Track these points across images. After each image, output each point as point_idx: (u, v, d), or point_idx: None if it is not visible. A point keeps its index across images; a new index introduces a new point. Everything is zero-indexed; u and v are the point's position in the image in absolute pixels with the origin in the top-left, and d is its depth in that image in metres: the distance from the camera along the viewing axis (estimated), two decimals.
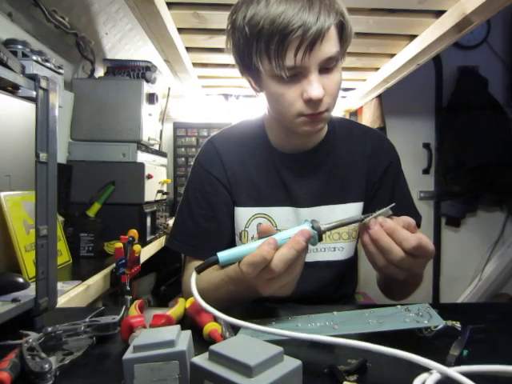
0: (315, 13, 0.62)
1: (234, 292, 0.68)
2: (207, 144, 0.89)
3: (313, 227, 0.54)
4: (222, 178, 0.85)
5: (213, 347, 0.35)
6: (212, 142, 0.89)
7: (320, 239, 0.54)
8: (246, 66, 0.73)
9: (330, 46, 0.66)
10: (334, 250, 0.83)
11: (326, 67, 0.68)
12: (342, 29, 0.69)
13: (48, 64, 1.20)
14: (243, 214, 0.84)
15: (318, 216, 0.82)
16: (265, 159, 0.85)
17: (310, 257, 0.82)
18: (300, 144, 0.84)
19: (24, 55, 1.12)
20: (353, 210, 0.84)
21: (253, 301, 0.76)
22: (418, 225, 0.87)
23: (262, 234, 0.55)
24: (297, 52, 0.63)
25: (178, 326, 0.42)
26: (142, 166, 1.51)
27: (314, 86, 0.66)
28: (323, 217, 0.82)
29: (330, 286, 0.85)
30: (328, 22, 0.63)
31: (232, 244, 0.86)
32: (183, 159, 2.40)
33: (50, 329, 0.49)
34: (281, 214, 0.83)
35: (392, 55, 1.70)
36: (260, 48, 0.66)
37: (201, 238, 0.84)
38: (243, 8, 0.68)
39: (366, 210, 0.86)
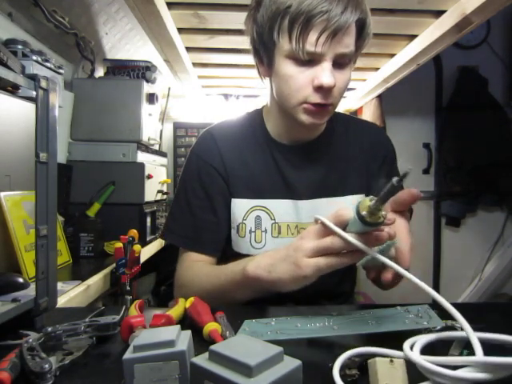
0: (343, 4, 0.64)
1: (231, 280, 0.68)
2: (204, 134, 0.88)
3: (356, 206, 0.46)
4: (219, 167, 0.83)
5: (213, 347, 0.35)
6: (210, 132, 0.88)
7: (362, 219, 0.45)
8: (263, 43, 0.74)
9: (348, 42, 0.68)
10: None
11: (339, 62, 0.70)
12: (362, 30, 0.71)
13: (48, 64, 1.20)
14: (241, 206, 0.83)
15: (317, 208, 0.82)
16: (263, 150, 0.84)
17: None
18: (300, 136, 0.84)
19: (24, 55, 1.12)
20: (352, 202, 0.84)
21: (252, 301, 0.76)
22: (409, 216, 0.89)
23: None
24: (319, 37, 0.65)
25: (178, 326, 0.42)
26: (141, 166, 1.51)
27: (327, 74, 0.67)
28: (322, 209, 0.82)
29: (329, 281, 0.84)
30: (353, 16, 0.65)
31: (228, 237, 0.85)
32: (183, 159, 2.40)
33: (50, 329, 0.49)
34: (279, 206, 0.82)
35: (392, 55, 1.70)
36: (283, 26, 0.68)
37: (199, 230, 0.82)
38: None
39: None
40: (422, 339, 0.41)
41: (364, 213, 0.45)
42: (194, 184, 0.84)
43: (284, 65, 0.71)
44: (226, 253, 0.85)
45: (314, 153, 0.84)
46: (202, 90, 2.27)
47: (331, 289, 0.86)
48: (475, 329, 0.51)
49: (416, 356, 0.36)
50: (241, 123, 0.89)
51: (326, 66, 0.68)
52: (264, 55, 0.76)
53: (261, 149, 0.85)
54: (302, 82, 0.70)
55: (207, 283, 0.73)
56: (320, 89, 0.69)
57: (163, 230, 0.88)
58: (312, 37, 0.65)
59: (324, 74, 0.67)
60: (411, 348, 0.38)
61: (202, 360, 0.35)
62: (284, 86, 0.73)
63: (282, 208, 0.82)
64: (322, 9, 0.64)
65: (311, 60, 0.68)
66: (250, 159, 0.84)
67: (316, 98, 0.70)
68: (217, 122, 0.91)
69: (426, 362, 0.34)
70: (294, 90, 0.71)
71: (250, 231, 0.82)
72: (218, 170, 0.83)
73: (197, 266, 0.81)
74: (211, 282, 0.73)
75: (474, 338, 0.37)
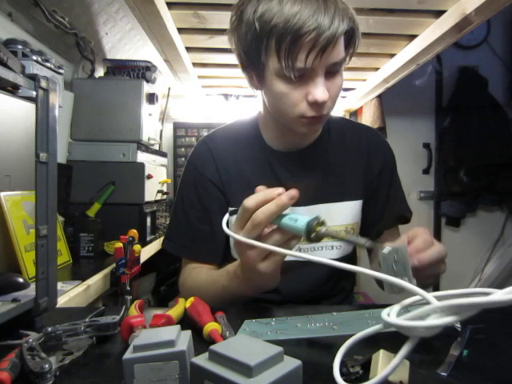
0: (330, 16, 0.62)
1: (227, 288, 0.69)
2: (200, 144, 0.88)
3: (308, 222, 0.51)
4: (215, 179, 0.84)
5: (213, 347, 0.35)
6: (205, 141, 0.88)
7: (308, 236, 0.51)
8: (251, 62, 0.72)
9: (339, 51, 0.66)
10: (331, 248, 0.83)
11: (330, 71, 0.68)
12: (351, 36, 0.69)
13: (48, 64, 1.20)
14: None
15: (314, 215, 0.82)
16: (259, 158, 0.84)
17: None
18: (295, 142, 0.84)
19: (24, 55, 1.12)
20: (351, 208, 0.84)
21: (252, 301, 0.76)
22: (409, 219, 0.90)
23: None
24: (308, 54, 0.63)
25: (178, 326, 0.42)
26: (141, 166, 1.50)
27: (320, 89, 0.66)
28: (321, 215, 0.82)
29: (327, 283, 0.85)
30: (342, 28, 0.63)
31: (227, 245, 0.86)
32: (183, 159, 2.40)
33: (49, 329, 0.49)
34: None
35: (392, 55, 1.70)
36: (270, 46, 0.65)
37: (196, 240, 0.84)
38: (253, 2, 0.66)
39: (365, 212, 0.86)
40: (395, 307, 0.43)
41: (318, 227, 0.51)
42: (191, 195, 0.85)
43: (275, 83, 0.69)
44: (227, 257, 0.85)
45: (310, 159, 0.84)
46: (202, 90, 2.27)
47: (331, 287, 0.87)
48: (475, 329, 0.51)
49: (393, 319, 0.39)
50: (236, 131, 0.89)
51: (319, 80, 0.66)
52: (253, 73, 0.74)
53: (257, 156, 0.84)
54: (296, 98, 0.68)
55: (206, 295, 0.73)
56: (315, 103, 0.67)
57: (163, 239, 0.90)
58: (301, 55, 0.63)
59: (317, 89, 0.66)
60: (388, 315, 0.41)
61: (202, 360, 0.35)
62: (278, 102, 0.72)
63: None
64: (309, 27, 0.61)
65: (303, 75, 0.67)
66: (246, 167, 0.84)
67: (312, 112, 0.69)
68: (212, 131, 0.91)
69: (401, 320, 0.38)
70: (289, 106, 0.70)
71: None
72: (214, 182, 0.84)
73: (194, 275, 0.83)
74: (211, 280, 0.75)
75: (424, 292, 0.41)
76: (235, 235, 0.56)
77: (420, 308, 0.38)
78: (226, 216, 0.63)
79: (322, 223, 0.51)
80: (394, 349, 0.43)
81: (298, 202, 0.82)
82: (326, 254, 0.83)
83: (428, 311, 0.38)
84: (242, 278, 0.64)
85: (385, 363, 0.38)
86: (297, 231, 0.51)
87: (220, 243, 0.85)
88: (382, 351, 0.39)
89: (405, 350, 0.37)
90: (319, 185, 0.83)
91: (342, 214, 0.84)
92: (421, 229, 0.60)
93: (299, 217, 0.52)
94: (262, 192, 0.55)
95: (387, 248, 0.49)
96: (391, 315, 0.40)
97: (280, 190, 0.54)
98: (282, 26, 0.62)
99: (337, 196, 0.84)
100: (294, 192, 0.53)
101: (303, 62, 0.64)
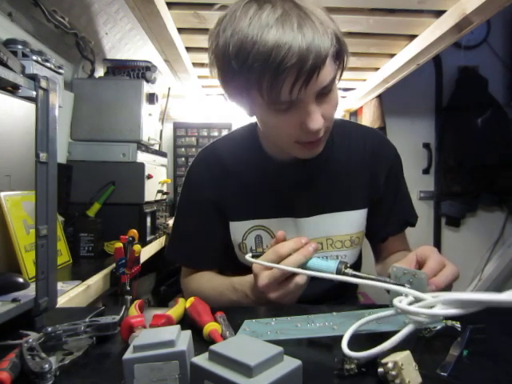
0: (308, 43, 0.56)
1: (235, 302, 0.71)
2: (199, 159, 0.87)
3: (339, 265, 0.58)
4: (212, 196, 0.83)
5: (213, 347, 0.35)
6: (204, 155, 0.86)
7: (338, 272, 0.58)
8: (235, 98, 0.69)
9: (326, 75, 0.61)
10: (336, 258, 0.81)
11: (321, 93, 0.63)
12: (337, 53, 0.63)
13: (48, 64, 1.20)
14: (239, 228, 0.82)
15: (319, 225, 0.81)
16: (260, 169, 0.82)
17: None
18: None
19: (24, 55, 1.12)
20: (356, 217, 0.83)
21: None
22: (414, 224, 0.89)
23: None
24: (292, 87, 0.59)
25: (178, 326, 0.42)
26: (141, 166, 1.50)
27: (313, 118, 0.62)
28: (324, 225, 0.81)
29: (332, 290, 0.84)
30: (323, 52, 0.57)
31: (230, 254, 0.86)
32: (183, 159, 2.40)
33: (49, 329, 0.49)
34: (279, 225, 0.80)
35: (392, 55, 1.70)
36: (251, 84, 0.61)
37: (194, 251, 0.85)
38: (226, 33, 0.61)
39: (370, 217, 0.85)
40: (409, 297, 0.48)
41: (345, 270, 0.58)
42: (188, 211, 0.86)
43: (264, 115, 0.66)
44: (234, 262, 0.86)
45: (313, 168, 0.81)
46: (202, 90, 2.27)
47: (335, 287, 0.86)
48: (475, 329, 0.51)
49: (402, 305, 0.45)
50: (235, 143, 0.86)
51: (310, 108, 0.62)
52: (240, 106, 0.71)
53: (258, 168, 0.82)
54: (288, 127, 0.65)
55: (213, 303, 0.74)
56: (309, 131, 0.64)
57: (166, 247, 0.92)
58: (285, 89, 0.59)
59: (310, 118, 0.62)
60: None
61: (202, 360, 0.35)
62: (270, 132, 0.70)
63: (283, 226, 0.79)
64: (288, 63, 0.56)
65: (291, 105, 0.62)
66: (247, 180, 0.82)
67: (307, 138, 0.66)
68: (212, 142, 0.89)
69: (411, 307, 0.45)
70: (283, 135, 0.67)
71: (251, 250, 0.82)
72: (211, 200, 0.83)
73: (196, 281, 0.85)
74: (217, 291, 0.77)
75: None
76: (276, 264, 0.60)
77: (428, 300, 0.44)
78: (250, 256, 0.67)
79: (347, 266, 0.58)
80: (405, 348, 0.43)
81: (301, 214, 0.82)
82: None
83: (434, 302, 0.43)
84: (254, 300, 0.66)
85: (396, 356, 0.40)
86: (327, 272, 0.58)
87: (220, 252, 0.86)
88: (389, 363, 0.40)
89: (407, 330, 0.43)
90: (322, 195, 0.81)
91: (347, 223, 0.82)
92: (429, 247, 0.60)
93: (324, 261, 0.60)
94: (292, 241, 0.61)
95: (403, 268, 0.53)
96: (402, 302, 0.46)
97: (304, 239, 0.61)
98: (259, 64, 0.57)
99: (341, 205, 0.81)
100: (315, 245, 0.61)
101: (288, 95, 0.60)
